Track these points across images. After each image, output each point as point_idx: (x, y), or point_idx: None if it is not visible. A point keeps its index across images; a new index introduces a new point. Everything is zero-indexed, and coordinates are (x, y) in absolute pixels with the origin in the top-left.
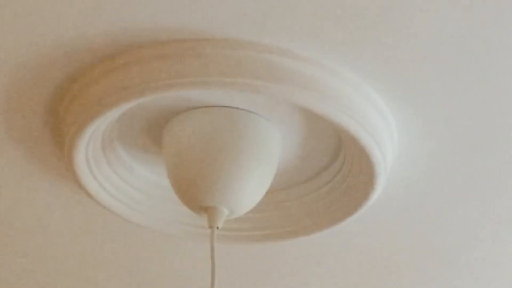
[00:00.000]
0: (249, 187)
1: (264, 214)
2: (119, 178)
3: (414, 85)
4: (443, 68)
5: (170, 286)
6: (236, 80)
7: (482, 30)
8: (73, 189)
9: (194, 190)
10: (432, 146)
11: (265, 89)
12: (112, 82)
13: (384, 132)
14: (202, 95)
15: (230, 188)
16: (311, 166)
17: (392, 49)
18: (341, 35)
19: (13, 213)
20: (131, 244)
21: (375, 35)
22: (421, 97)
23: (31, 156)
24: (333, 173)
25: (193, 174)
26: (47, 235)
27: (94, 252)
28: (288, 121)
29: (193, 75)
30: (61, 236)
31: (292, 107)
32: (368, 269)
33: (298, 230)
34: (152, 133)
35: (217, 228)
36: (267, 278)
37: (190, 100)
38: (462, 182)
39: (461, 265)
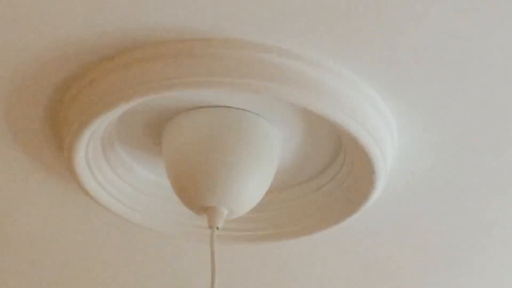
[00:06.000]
0: (249, 187)
1: (264, 214)
2: (119, 178)
3: (414, 85)
4: (443, 68)
5: (170, 286)
6: (236, 80)
7: (482, 30)
8: (73, 189)
9: (194, 190)
10: (432, 146)
11: (265, 89)
12: (112, 82)
13: (384, 132)
14: (202, 95)
15: (230, 188)
16: (311, 166)
17: (392, 49)
18: (341, 35)
19: (13, 213)
20: (131, 244)
21: (375, 35)
22: (421, 97)
23: (31, 156)
24: (333, 173)
25: (193, 174)
26: (47, 235)
27: (94, 252)
28: (288, 121)
29: (193, 75)
30: (61, 236)
31: (292, 107)
32: (368, 269)
33: (298, 230)
34: (152, 133)
35: (217, 228)
36: (267, 278)
37: (190, 100)
38: (462, 182)
39: (461, 265)
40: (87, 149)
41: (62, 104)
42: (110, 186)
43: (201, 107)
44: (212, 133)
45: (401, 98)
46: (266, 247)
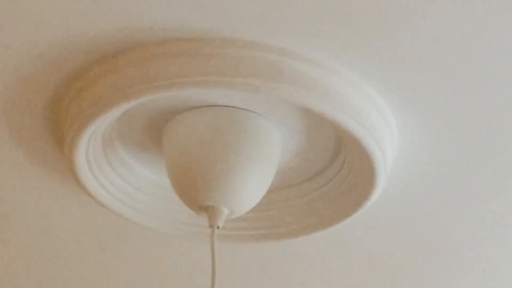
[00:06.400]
0: (249, 187)
1: (264, 214)
2: (120, 178)
3: (414, 85)
4: (443, 68)
5: (170, 286)
6: (236, 80)
7: (482, 30)
8: (73, 189)
9: (194, 189)
10: (432, 146)
11: (265, 89)
12: (112, 82)
13: (384, 132)
14: (202, 95)
15: (230, 188)
16: (311, 166)
17: (392, 49)
18: (341, 35)
19: (13, 213)
20: (131, 244)
21: (375, 35)
22: (421, 97)
23: (31, 156)
24: (333, 173)
25: (193, 174)
26: (47, 235)
27: (94, 252)
28: (288, 121)
29: (193, 75)
30: (61, 236)
31: (292, 107)
32: (368, 269)
33: (298, 230)
34: (152, 133)
35: (218, 227)
36: (267, 278)
37: (190, 100)
38: (462, 182)
39: (461, 265)
40: (87, 149)
41: (62, 104)
42: (110, 185)
43: (201, 107)
44: (212, 133)
45: (401, 98)
46: (266, 247)
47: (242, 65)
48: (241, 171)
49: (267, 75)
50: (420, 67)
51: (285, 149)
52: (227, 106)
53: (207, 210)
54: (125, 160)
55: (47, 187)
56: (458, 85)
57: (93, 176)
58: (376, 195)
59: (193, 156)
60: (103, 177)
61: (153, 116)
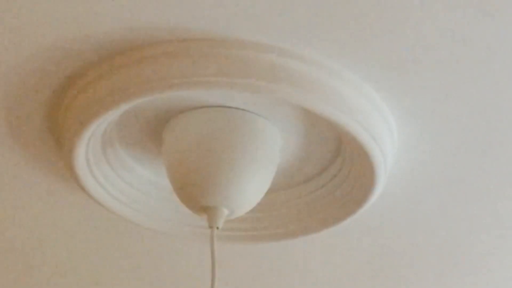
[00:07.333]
0: (249, 187)
1: (264, 214)
2: (119, 178)
3: (414, 85)
4: (443, 69)
5: (170, 286)
6: (236, 80)
7: (482, 30)
8: (73, 189)
9: (194, 190)
10: (432, 146)
11: (265, 89)
12: (112, 82)
13: (384, 132)
14: (202, 95)
15: (230, 188)
16: (311, 166)
17: (393, 50)
18: (341, 35)
19: (13, 213)
20: (131, 244)
21: (375, 35)
22: (421, 97)
23: (31, 156)
24: (333, 173)
25: (193, 174)
26: (46, 234)
27: (94, 252)
28: (288, 121)
29: (193, 75)
30: (60, 236)
31: (292, 107)
32: (368, 269)
33: (298, 230)
34: (152, 133)
35: (217, 228)
36: (267, 278)
37: (190, 100)
38: (462, 182)
39: (461, 264)
40: (87, 149)
41: (62, 104)
42: (110, 186)
43: (201, 107)
44: (212, 133)
45: (401, 98)
46: (266, 247)
47: (242, 65)
48: (241, 171)
49: (267, 75)
50: (420, 68)
51: (285, 149)
52: (227, 106)
53: (207, 210)
54: (125, 160)
55: (47, 187)
56: (458, 85)
57: (93, 176)
58: (376, 195)
59: (193, 157)
60: (103, 177)
61: (153, 117)
